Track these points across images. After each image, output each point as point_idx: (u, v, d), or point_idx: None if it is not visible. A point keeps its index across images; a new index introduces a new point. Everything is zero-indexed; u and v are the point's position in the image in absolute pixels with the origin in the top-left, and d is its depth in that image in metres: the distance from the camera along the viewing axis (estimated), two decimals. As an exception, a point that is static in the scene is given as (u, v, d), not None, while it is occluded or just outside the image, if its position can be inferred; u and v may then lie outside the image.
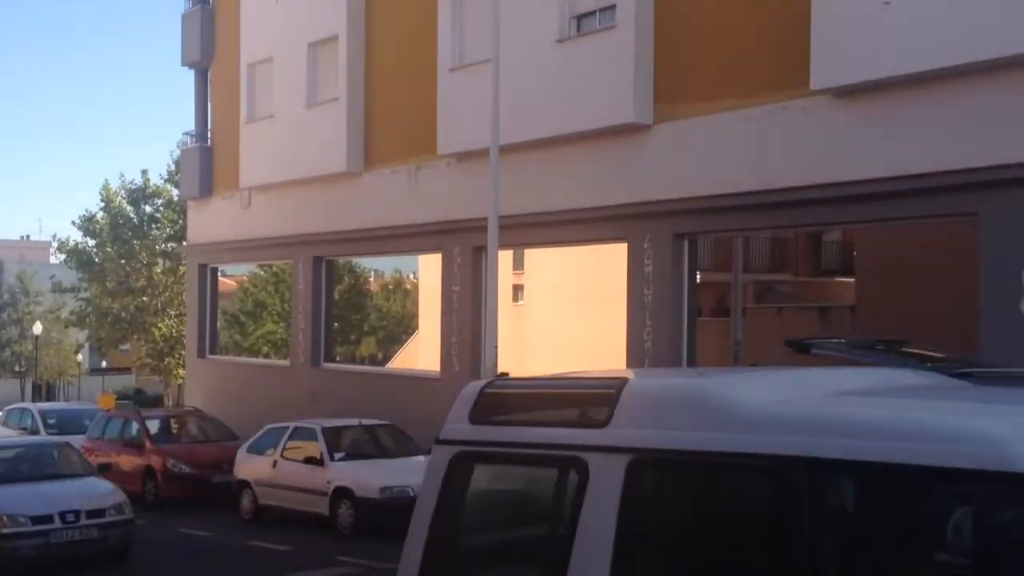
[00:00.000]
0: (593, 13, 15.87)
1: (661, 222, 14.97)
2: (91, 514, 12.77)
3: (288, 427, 16.49)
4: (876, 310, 18.42)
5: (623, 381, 4.24)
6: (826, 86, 12.73)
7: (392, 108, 19.77)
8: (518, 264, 20.91)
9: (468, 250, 18.09)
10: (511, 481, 4.88)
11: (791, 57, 13.04)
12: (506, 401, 4.78)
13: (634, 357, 15.28)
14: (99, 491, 13.42)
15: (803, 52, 12.82)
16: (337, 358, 23.25)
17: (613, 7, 15.31)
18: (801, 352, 9.56)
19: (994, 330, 11.38)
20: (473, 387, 4.81)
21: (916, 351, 9.22)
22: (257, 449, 16.73)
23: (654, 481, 4.11)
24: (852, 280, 22.24)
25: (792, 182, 13.36)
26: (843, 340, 9.82)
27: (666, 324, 14.95)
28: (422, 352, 22.14)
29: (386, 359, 26.34)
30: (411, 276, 27.23)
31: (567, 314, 18.72)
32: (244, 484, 16.61)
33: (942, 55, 11.58)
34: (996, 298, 11.46)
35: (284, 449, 16.10)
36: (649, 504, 4.12)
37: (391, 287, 32.43)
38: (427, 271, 21.29)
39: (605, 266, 16.53)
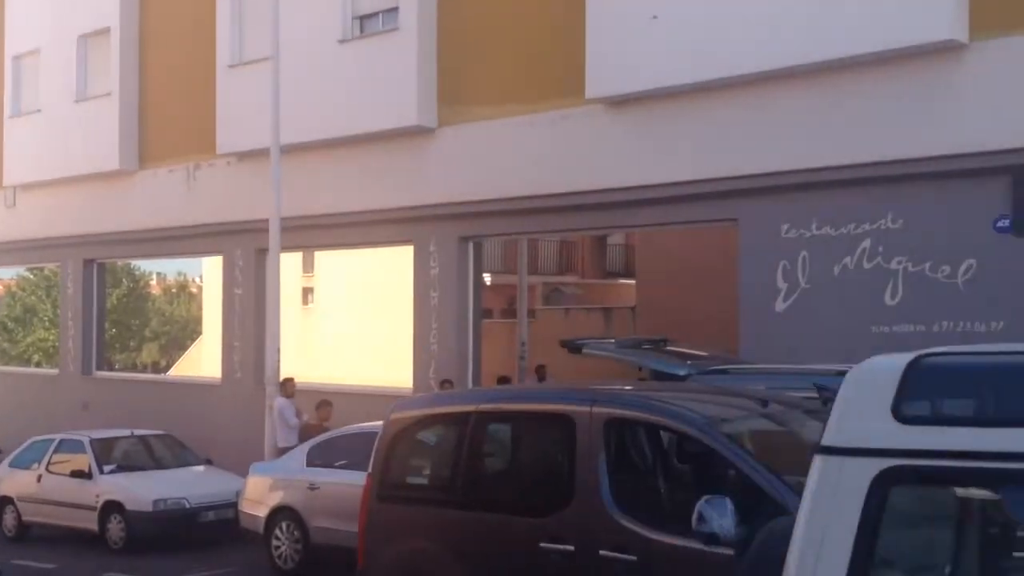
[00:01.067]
0: (376, 14, 15.79)
1: (446, 225, 15.08)
2: None
3: (54, 439, 15.64)
4: (655, 311, 19.26)
5: None
6: (599, 96, 13.15)
7: (169, 105, 19.01)
8: (308, 266, 20.58)
9: (251, 252, 17.63)
10: (999, 511, 3.03)
11: (570, 66, 13.38)
12: (971, 384, 2.99)
13: (420, 358, 15.33)
14: None
15: (581, 62, 13.21)
16: (116, 366, 22.23)
17: (396, 9, 15.29)
18: (574, 352, 9.84)
19: (752, 328, 12.08)
20: (885, 365, 3.00)
21: (678, 349, 9.69)
22: (20, 463, 15.79)
23: None
24: (634, 282, 23.14)
25: (572, 187, 13.72)
26: (612, 340, 10.22)
27: (452, 326, 15.07)
28: (205, 358, 21.45)
29: (170, 366, 25.37)
30: (197, 279, 26.26)
31: (358, 316, 18.58)
32: (7, 500, 15.64)
33: (704, 69, 12.19)
34: (753, 298, 12.17)
35: (49, 463, 15.24)
36: None
37: (175, 291, 31.11)
38: (211, 274, 20.63)
39: (395, 268, 16.53)
